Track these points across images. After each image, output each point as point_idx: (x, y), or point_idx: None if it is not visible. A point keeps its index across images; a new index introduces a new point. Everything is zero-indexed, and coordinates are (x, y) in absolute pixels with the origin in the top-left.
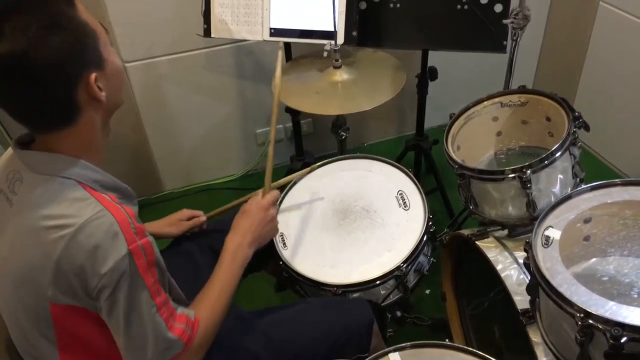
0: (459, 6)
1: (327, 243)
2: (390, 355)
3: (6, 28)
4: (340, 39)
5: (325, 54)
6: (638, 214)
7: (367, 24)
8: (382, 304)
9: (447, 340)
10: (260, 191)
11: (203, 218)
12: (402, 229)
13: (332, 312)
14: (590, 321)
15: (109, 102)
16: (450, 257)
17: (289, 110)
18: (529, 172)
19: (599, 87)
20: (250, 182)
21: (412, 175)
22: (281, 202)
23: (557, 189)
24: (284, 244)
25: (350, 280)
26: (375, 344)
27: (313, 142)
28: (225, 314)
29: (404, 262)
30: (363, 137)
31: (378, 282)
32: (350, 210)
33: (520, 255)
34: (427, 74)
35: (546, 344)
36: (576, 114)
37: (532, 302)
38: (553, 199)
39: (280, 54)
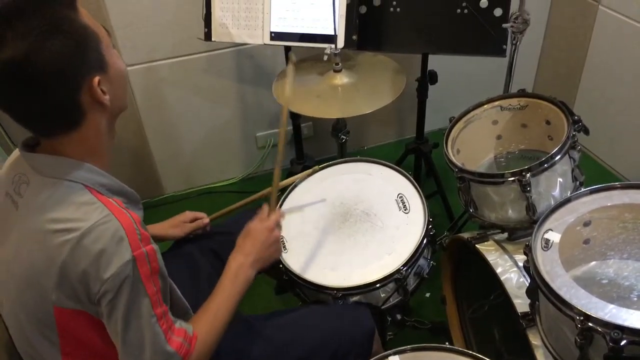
0: (458, 10)
1: (327, 246)
2: (391, 358)
3: (8, 34)
4: (341, 42)
5: (325, 57)
6: (638, 217)
7: (367, 27)
8: (382, 307)
9: (447, 343)
10: (265, 206)
11: (206, 220)
12: (402, 232)
13: (335, 320)
14: (590, 324)
15: (114, 106)
16: (450, 261)
17: (289, 113)
18: (528, 175)
19: (598, 90)
20: (251, 185)
21: (412, 179)
22: (281, 204)
23: (556, 192)
24: (284, 246)
25: (350, 283)
26: (375, 349)
27: (313, 146)
28: (224, 331)
29: (404, 265)
30: (363, 140)
31: (378, 285)
32: (351, 214)
33: (520, 258)
34: (427, 78)
35: (546, 347)
36: (576, 117)
37: (532, 305)
38: (553, 202)
39: (292, 70)
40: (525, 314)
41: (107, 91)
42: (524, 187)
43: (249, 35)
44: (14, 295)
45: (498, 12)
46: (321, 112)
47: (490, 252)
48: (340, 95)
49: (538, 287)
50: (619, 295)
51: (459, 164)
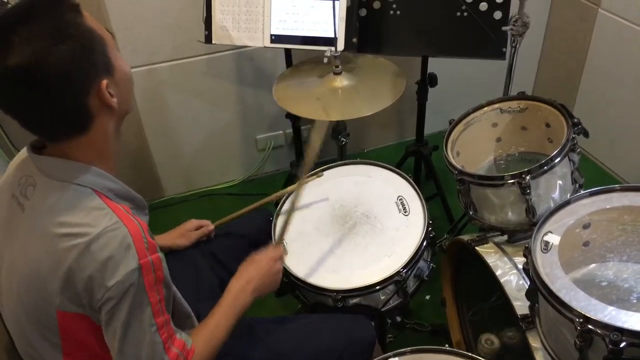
0: (458, 13)
1: (327, 248)
2: None
3: (14, 40)
4: (341, 45)
5: (325, 60)
6: (637, 219)
7: (367, 30)
8: (382, 309)
9: (447, 345)
10: (271, 244)
11: (211, 227)
12: (401, 234)
13: (337, 329)
14: (590, 326)
15: (121, 108)
16: (450, 263)
17: (289, 116)
18: (528, 177)
19: (598, 93)
20: (251, 187)
21: (411, 181)
22: (282, 206)
23: (556, 194)
24: (285, 249)
25: (350, 286)
26: (375, 356)
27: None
28: (220, 348)
29: (403, 268)
30: (363, 143)
31: (378, 287)
32: (350, 216)
33: (520, 260)
34: (427, 80)
35: (546, 349)
36: (575, 120)
37: (531, 307)
38: (552, 205)
39: (319, 126)
40: (524, 316)
41: (115, 94)
42: (524, 190)
43: (249, 38)
44: (16, 297)
45: (498, 15)
46: (321, 114)
47: (489, 254)
48: (340, 98)
49: (537, 289)
50: (619, 298)
51: (458, 166)
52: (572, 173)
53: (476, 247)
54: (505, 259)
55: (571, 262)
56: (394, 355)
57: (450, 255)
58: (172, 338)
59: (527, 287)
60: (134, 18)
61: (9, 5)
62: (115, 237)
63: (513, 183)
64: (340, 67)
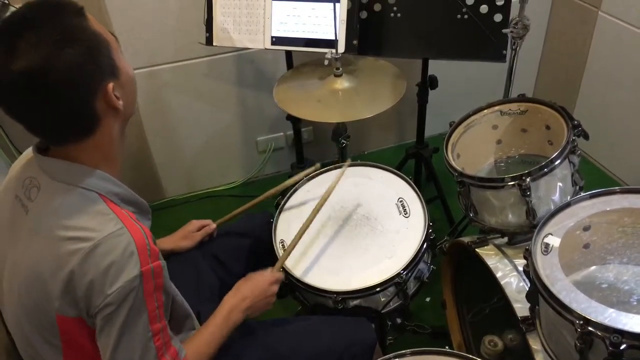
0: (459, 15)
1: (327, 250)
2: None
3: (21, 45)
4: (341, 47)
5: (326, 62)
6: (637, 221)
7: (368, 32)
8: (382, 311)
9: (447, 347)
10: (270, 268)
11: (213, 226)
12: (402, 236)
13: (337, 331)
14: (590, 328)
15: (126, 110)
16: (450, 265)
17: (289, 118)
18: (528, 180)
19: (598, 96)
20: (251, 189)
21: (412, 183)
22: (282, 208)
23: (556, 196)
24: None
25: (350, 287)
26: (375, 358)
27: (314, 150)
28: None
29: (404, 269)
30: (363, 145)
31: (378, 289)
32: (351, 217)
33: (520, 262)
34: (428, 83)
35: (546, 351)
36: (575, 122)
37: (531, 309)
38: (553, 207)
39: (341, 172)
40: (525, 318)
41: (120, 96)
42: (524, 192)
43: (250, 40)
44: (17, 298)
45: (498, 17)
46: (322, 116)
47: (490, 256)
48: (340, 100)
49: (538, 291)
50: (619, 300)
51: (459, 168)
52: (572, 175)
53: (476, 249)
54: (506, 261)
55: (571, 264)
56: (394, 357)
57: (451, 257)
58: (167, 345)
59: (527, 289)
60: (135, 21)
61: (11, 7)
62: (120, 243)
63: (513, 185)
64: (340, 69)
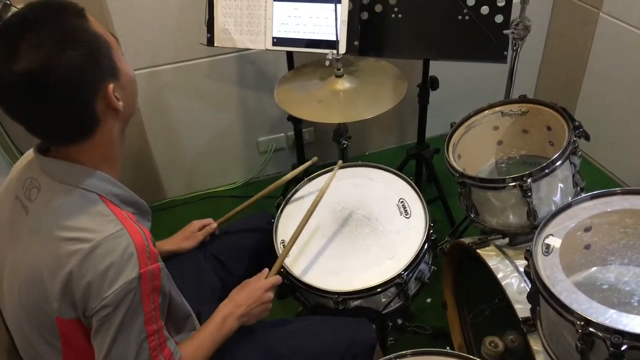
0: (460, 16)
1: (328, 250)
2: None
3: (22, 46)
4: (342, 48)
5: (327, 63)
6: (638, 222)
7: (369, 33)
8: (383, 312)
9: (447, 348)
10: (266, 269)
11: (214, 225)
12: (403, 236)
13: (337, 331)
14: (591, 329)
15: (126, 111)
16: (451, 266)
17: (290, 118)
18: (529, 180)
19: (599, 97)
20: (252, 189)
21: (413, 183)
22: (283, 209)
23: (557, 197)
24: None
25: (351, 288)
26: (375, 359)
27: (315, 151)
28: None
29: (404, 270)
30: (364, 146)
31: (379, 289)
32: (352, 218)
33: (521, 263)
34: (428, 84)
35: (547, 352)
36: (576, 123)
37: (532, 310)
38: (554, 208)
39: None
40: (526, 319)
41: (120, 97)
42: (525, 193)
43: (251, 41)
44: (17, 298)
45: (499, 18)
46: (323, 117)
47: (491, 257)
48: (341, 101)
49: (539, 292)
50: (620, 301)
51: (460, 169)
52: (573, 176)
53: (477, 250)
54: (507, 261)
55: (572, 265)
56: (395, 358)
57: (452, 258)
58: (162, 346)
59: (528, 290)
60: (137, 21)
61: (12, 7)
62: (119, 244)
63: (514, 186)
64: (341, 69)
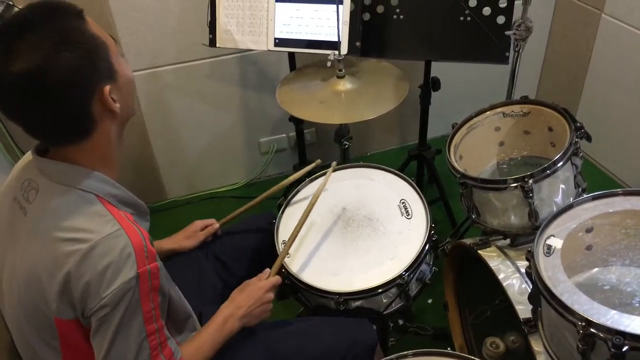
0: (461, 17)
1: (329, 251)
2: None
3: (19, 46)
4: (344, 49)
5: (329, 63)
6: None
7: (370, 34)
8: (384, 313)
9: (448, 349)
10: (267, 269)
11: (216, 226)
12: (404, 237)
13: (337, 332)
14: (592, 330)
15: (123, 113)
16: (452, 266)
17: (292, 119)
18: (531, 181)
19: (601, 98)
20: (254, 190)
21: (414, 184)
22: (284, 210)
23: (559, 198)
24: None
25: (352, 288)
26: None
27: (316, 152)
28: None
29: (406, 271)
30: (366, 146)
31: (380, 290)
32: (353, 219)
33: (522, 264)
34: (430, 84)
35: (548, 353)
36: (578, 124)
37: (534, 311)
38: (555, 209)
39: (332, 169)
40: (527, 320)
41: (117, 99)
42: (527, 194)
43: (253, 42)
44: (16, 299)
45: (501, 19)
46: (324, 117)
47: (492, 258)
48: (343, 101)
49: (540, 292)
50: (621, 302)
51: (461, 170)
52: (574, 177)
53: (479, 251)
54: (508, 262)
55: (574, 266)
56: (397, 358)
57: (453, 259)
58: (162, 345)
59: (529, 290)
60: (139, 22)
61: (15, 8)
62: (117, 244)
63: (516, 187)
64: (343, 70)
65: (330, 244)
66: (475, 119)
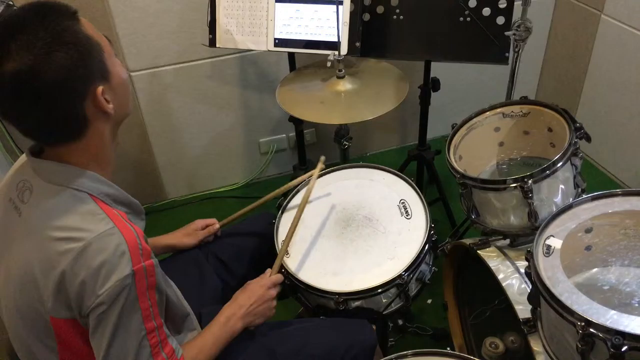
0: (461, 18)
1: (329, 251)
2: None
3: (12, 46)
4: (344, 49)
5: (328, 64)
6: (639, 224)
7: (370, 35)
8: (384, 313)
9: (448, 349)
10: (268, 269)
11: (217, 226)
12: (403, 237)
13: (337, 333)
14: (591, 330)
15: (117, 114)
16: (451, 267)
17: (292, 119)
18: (530, 182)
19: (600, 98)
20: (254, 190)
21: (414, 184)
22: (284, 209)
23: (558, 199)
24: (286, 251)
25: (352, 288)
26: None
27: (316, 152)
28: None
29: (405, 271)
30: (366, 147)
31: (380, 290)
32: (353, 219)
33: (522, 264)
34: (430, 85)
35: (547, 353)
36: (577, 124)
37: (533, 311)
38: (554, 209)
39: (320, 166)
40: (526, 320)
41: (111, 100)
42: (526, 194)
43: (253, 42)
44: (12, 300)
45: (500, 20)
46: (324, 118)
47: (491, 258)
48: (343, 102)
49: (539, 293)
50: (620, 302)
51: (461, 170)
52: (574, 177)
53: (478, 251)
54: (507, 262)
55: (573, 266)
56: (396, 358)
57: (452, 259)
58: (163, 343)
59: (528, 291)
60: (139, 22)
61: (14, 8)
62: (110, 242)
63: (515, 187)
64: (343, 71)
65: (330, 244)
66: (474, 120)
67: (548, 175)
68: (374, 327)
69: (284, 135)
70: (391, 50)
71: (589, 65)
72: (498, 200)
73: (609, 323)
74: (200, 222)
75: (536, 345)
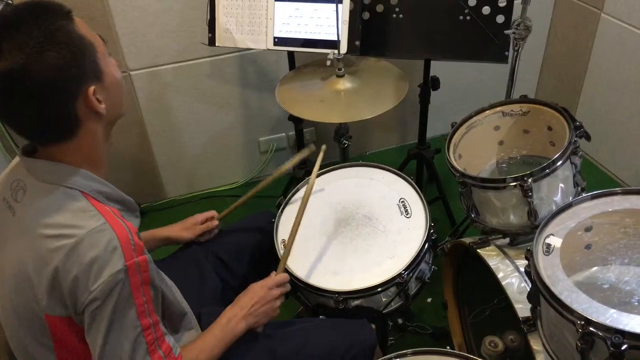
0: (461, 17)
1: (329, 250)
2: None
3: (4, 45)
4: (343, 48)
5: (328, 62)
6: (639, 222)
7: (370, 33)
8: (384, 312)
9: (448, 347)
10: (273, 273)
11: (215, 223)
12: (403, 236)
13: (336, 333)
14: (591, 328)
15: (110, 114)
16: (451, 265)
17: (291, 118)
18: (530, 180)
19: (600, 97)
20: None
21: (414, 183)
22: (283, 209)
23: (558, 197)
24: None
25: (352, 287)
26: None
27: (316, 151)
28: None
29: (405, 270)
30: (365, 145)
31: (379, 289)
32: (352, 218)
33: (522, 263)
34: (430, 84)
35: (547, 351)
36: (577, 123)
37: (533, 310)
38: (554, 208)
39: (321, 155)
40: (526, 319)
41: (103, 100)
42: (526, 193)
43: (252, 41)
44: (8, 300)
45: (500, 18)
46: (324, 117)
47: (491, 257)
48: (342, 101)
49: (539, 291)
50: (620, 300)
51: (460, 169)
52: (574, 176)
53: (478, 250)
54: (507, 261)
55: (573, 265)
56: (396, 357)
57: (452, 258)
58: (159, 340)
59: (528, 289)
60: (139, 21)
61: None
62: (102, 238)
63: (515, 186)
64: (343, 69)
65: (329, 243)
66: (474, 118)
67: (548, 174)
68: (373, 326)
69: (283, 134)
70: (391, 49)
71: (589, 63)
72: (498, 199)
73: (608, 322)
74: (199, 217)
75: (536, 344)
